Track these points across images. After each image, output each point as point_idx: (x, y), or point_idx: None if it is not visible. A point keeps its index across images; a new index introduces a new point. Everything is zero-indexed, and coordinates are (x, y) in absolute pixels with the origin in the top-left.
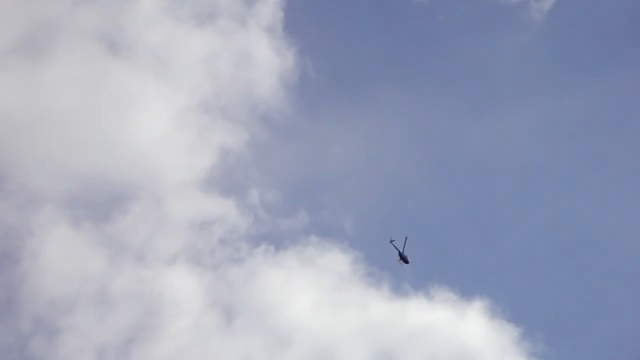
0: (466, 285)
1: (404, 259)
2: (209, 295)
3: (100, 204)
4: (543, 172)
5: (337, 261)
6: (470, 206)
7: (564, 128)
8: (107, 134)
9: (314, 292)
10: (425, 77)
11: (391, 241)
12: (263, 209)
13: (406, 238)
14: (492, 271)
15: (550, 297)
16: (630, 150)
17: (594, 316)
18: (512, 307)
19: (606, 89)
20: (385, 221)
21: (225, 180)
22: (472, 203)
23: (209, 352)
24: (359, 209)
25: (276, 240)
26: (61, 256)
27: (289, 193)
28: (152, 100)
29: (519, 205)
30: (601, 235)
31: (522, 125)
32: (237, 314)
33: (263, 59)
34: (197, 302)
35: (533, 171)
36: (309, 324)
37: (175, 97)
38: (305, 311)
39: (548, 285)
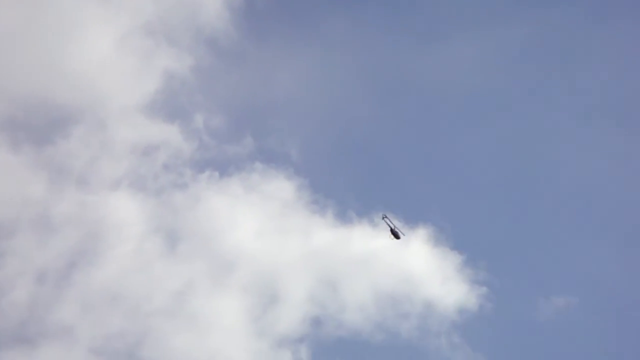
0: (410, 213)
1: (395, 234)
2: (152, 220)
3: (41, 128)
4: (489, 101)
5: (281, 188)
6: (416, 135)
7: (510, 58)
8: (49, 57)
9: (258, 218)
10: (374, 8)
11: (384, 217)
12: (208, 135)
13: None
14: (436, 199)
15: (493, 226)
16: (574, 79)
17: (535, 245)
18: (456, 234)
19: (551, 20)
20: (331, 148)
21: (170, 105)
22: (417, 132)
23: (152, 277)
24: (305, 136)
25: (221, 166)
26: (1, 179)
27: (234, 119)
28: (95, 23)
29: (464, 134)
30: (544, 165)
31: (469, 55)
32: (181, 240)
33: None
34: (140, 227)
35: (479, 100)
36: (253, 250)
37: (118, 21)
38: (249, 238)
39: (491, 214)
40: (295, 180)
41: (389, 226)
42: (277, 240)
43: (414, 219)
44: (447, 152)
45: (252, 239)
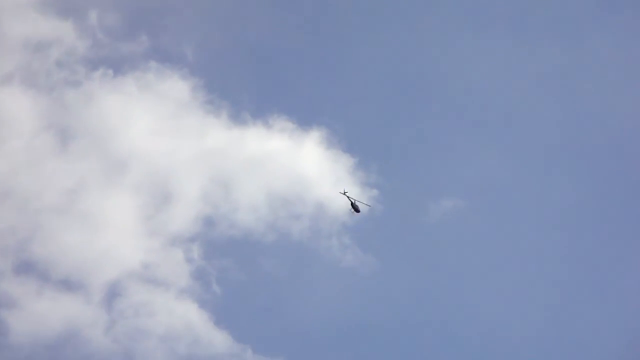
0: (304, 115)
1: (355, 208)
2: (44, 117)
3: None
4: (386, 7)
5: (176, 88)
6: (311, 38)
7: None
8: None
9: (152, 118)
10: None
11: (344, 192)
12: (102, 32)
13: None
14: (329, 102)
15: (386, 129)
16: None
17: (426, 149)
18: (348, 137)
19: None
20: (227, 49)
21: (63, 0)
22: (313, 35)
23: (43, 174)
24: (201, 36)
25: (115, 64)
26: None
27: (130, 16)
28: None
29: (359, 38)
30: (437, 71)
31: None
32: (73, 138)
33: None
34: (31, 124)
35: (376, 5)
36: (146, 150)
37: None
38: (143, 137)
39: (384, 118)
40: (190, 81)
41: (350, 201)
42: (171, 140)
43: (307, 121)
44: (341, 55)
45: (146, 138)
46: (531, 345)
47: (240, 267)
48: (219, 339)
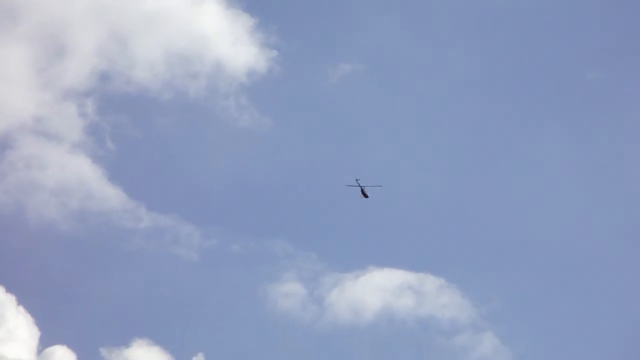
0: None
1: (364, 194)
2: None
3: None
4: None
5: None
6: None
7: None
8: None
9: None
10: None
11: (357, 180)
12: None
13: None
14: None
15: None
16: None
17: (327, 12)
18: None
19: None
20: None
21: None
22: None
23: None
24: None
25: None
26: None
27: None
28: None
29: None
30: None
31: None
32: None
33: None
34: None
35: None
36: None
37: None
38: None
39: None
40: None
41: (360, 187)
42: None
43: None
44: None
45: None
46: (418, 196)
47: (135, 124)
48: (112, 195)
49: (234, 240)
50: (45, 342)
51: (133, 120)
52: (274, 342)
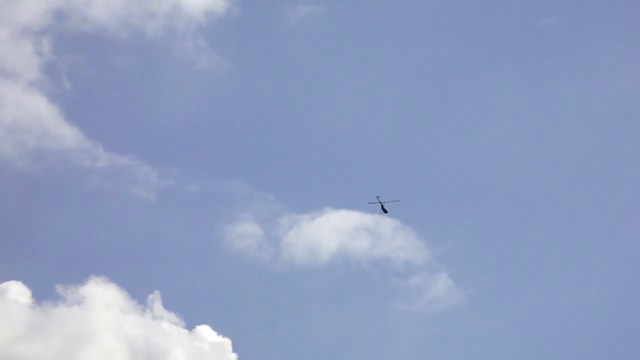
0: None
1: (384, 210)
2: None
3: None
4: None
5: None
6: None
7: None
8: None
9: None
10: None
11: (377, 197)
12: None
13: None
14: None
15: None
16: None
17: None
18: None
19: None
20: None
21: None
22: None
23: None
24: None
25: None
26: None
27: None
28: None
29: None
30: None
31: None
32: None
33: None
34: None
35: None
36: None
37: None
38: None
39: None
40: None
41: (380, 204)
42: None
43: None
44: None
45: None
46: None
47: (92, 63)
48: (69, 134)
49: (191, 181)
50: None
51: (90, 60)
52: (230, 282)
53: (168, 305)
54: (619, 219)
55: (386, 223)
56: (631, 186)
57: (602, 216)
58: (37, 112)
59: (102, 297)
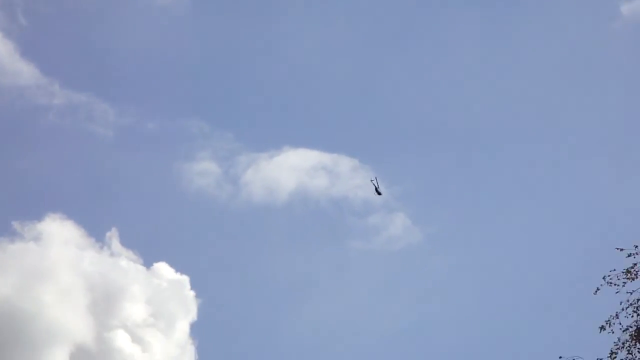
0: None
1: (378, 192)
2: None
3: None
4: None
5: None
6: None
7: None
8: None
9: None
10: None
11: (371, 180)
12: None
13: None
14: None
15: None
16: None
17: None
18: None
19: None
20: None
21: None
22: None
23: None
24: None
25: None
26: None
27: None
28: None
29: None
30: None
31: None
32: None
33: None
34: None
35: None
36: None
37: None
38: None
39: None
40: None
41: (375, 186)
42: None
43: None
44: None
45: None
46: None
47: None
48: (25, 71)
49: (149, 119)
50: None
51: None
52: (188, 220)
53: (126, 243)
54: (582, 158)
55: (345, 162)
56: (594, 127)
57: (562, 156)
58: None
59: (59, 233)
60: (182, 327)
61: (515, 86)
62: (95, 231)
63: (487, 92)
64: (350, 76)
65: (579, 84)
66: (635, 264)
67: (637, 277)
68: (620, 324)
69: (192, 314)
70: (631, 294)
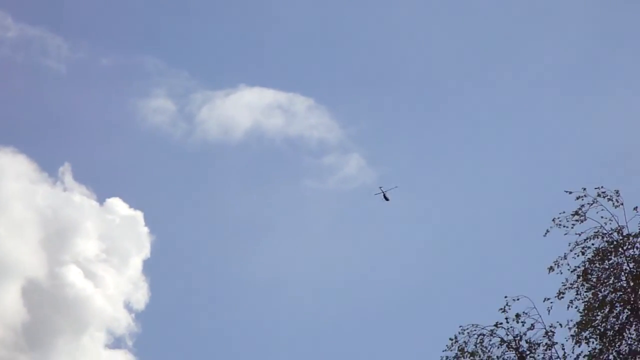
0: None
1: (386, 198)
2: None
3: None
4: None
5: None
6: None
7: None
8: None
9: None
10: None
11: (380, 187)
12: None
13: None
14: None
15: None
16: None
17: None
18: None
19: None
20: None
21: None
22: None
23: None
24: None
25: None
26: None
27: None
28: None
29: None
30: None
31: None
32: None
33: None
34: None
35: None
36: None
37: None
38: None
39: None
40: None
41: (383, 193)
42: None
43: None
44: None
45: None
46: None
47: None
48: None
49: (104, 54)
50: None
51: None
52: (143, 156)
53: (79, 178)
54: (542, 102)
55: (300, 101)
56: (548, 65)
57: (516, 97)
58: None
59: (11, 167)
60: (135, 264)
61: (470, 25)
62: (48, 166)
63: (443, 32)
64: (307, 15)
65: (535, 19)
66: (582, 206)
67: (585, 219)
68: (568, 264)
69: (146, 251)
70: (579, 235)
